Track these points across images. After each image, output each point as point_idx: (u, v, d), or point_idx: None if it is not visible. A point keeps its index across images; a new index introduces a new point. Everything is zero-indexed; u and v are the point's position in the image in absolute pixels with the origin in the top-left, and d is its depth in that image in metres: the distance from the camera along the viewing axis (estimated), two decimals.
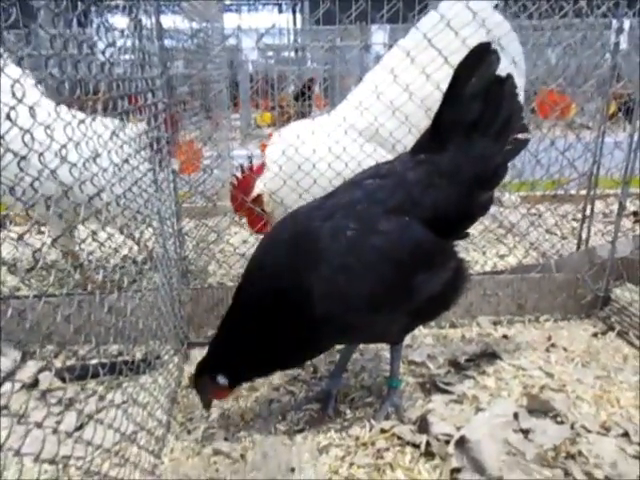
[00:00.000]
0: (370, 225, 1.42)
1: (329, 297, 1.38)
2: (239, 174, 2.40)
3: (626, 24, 2.31)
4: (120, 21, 1.59)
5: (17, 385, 1.77)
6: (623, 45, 2.32)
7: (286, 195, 2.24)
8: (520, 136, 1.59)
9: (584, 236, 2.45)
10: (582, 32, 2.66)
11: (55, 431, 0.95)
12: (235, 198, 2.39)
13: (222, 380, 1.53)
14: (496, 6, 2.17)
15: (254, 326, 1.44)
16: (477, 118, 1.49)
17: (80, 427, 1.48)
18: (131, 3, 1.62)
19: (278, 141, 2.31)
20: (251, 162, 2.42)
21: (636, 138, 2.12)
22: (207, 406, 1.62)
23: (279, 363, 1.56)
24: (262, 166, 2.36)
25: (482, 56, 1.48)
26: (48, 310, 1.06)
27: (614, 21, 2.25)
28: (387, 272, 1.42)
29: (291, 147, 2.20)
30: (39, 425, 0.90)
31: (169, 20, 2.18)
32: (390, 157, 2.07)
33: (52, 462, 0.96)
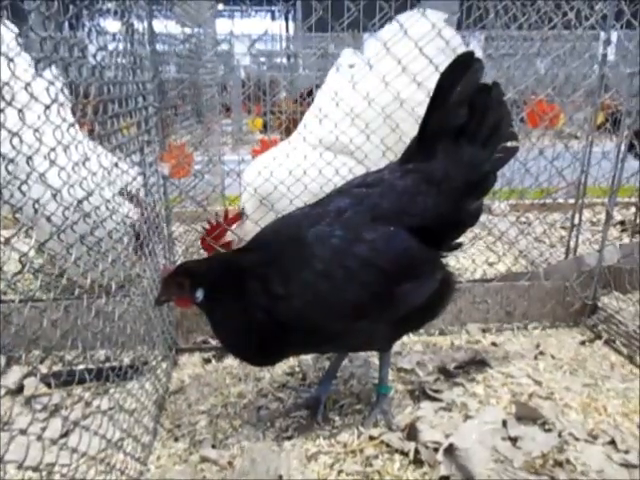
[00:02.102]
0: (356, 233, 1.42)
1: (310, 302, 1.38)
2: (212, 221, 2.41)
3: (614, 36, 2.34)
4: (112, 25, 1.58)
5: (2, 391, 1.75)
6: (611, 56, 2.35)
7: None
8: (509, 144, 1.61)
9: (572, 244, 2.48)
10: (571, 43, 2.70)
11: (40, 438, 0.94)
12: (204, 241, 2.42)
13: (199, 294, 1.45)
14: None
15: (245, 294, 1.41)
16: (464, 125, 1.50)
17: (65, 434, 1.46)
18: (123, 7, 1.62)
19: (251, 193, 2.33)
20: (226, 213, 2.45)
21: (623, 148, 2.15)
22: (162, 302, 1.54)
23: (252, 342, 1.47)
24: (235, 217, 2.39)
25: (466, 64, 1.49)
26: (35, 314, 1.05)
27: (602, 33, 2.28)
28: (370, 280, 1.42)
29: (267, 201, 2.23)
30: (23, 432, 0.89)
31: (161, 24, 2.17)
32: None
33: (36, 469, 0.94)
